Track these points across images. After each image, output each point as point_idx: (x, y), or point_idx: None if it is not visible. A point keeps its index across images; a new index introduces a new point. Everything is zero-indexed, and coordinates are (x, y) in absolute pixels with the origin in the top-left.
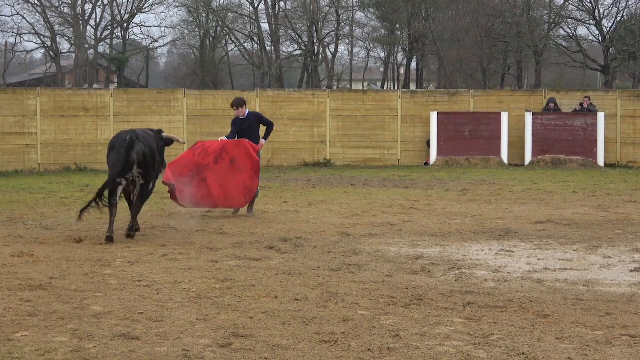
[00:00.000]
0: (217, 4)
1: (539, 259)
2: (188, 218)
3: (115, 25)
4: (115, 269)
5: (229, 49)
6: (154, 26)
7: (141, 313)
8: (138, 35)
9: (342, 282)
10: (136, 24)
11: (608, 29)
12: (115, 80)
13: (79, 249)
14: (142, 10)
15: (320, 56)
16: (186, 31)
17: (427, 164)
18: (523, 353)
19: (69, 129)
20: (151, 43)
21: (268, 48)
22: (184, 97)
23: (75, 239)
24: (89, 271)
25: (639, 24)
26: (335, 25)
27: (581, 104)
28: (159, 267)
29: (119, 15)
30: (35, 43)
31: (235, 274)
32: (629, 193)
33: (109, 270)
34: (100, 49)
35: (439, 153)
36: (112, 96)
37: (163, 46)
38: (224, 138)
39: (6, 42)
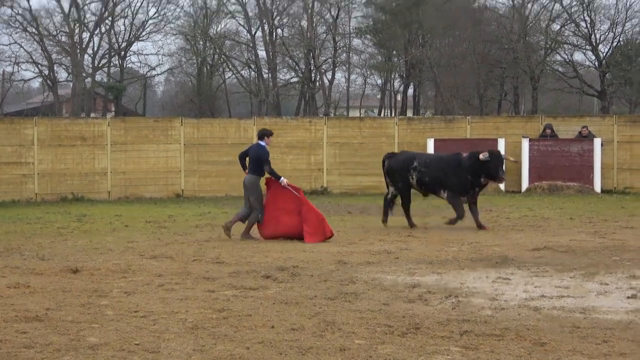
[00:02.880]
0: (215, 32)
1: (535, 286)
2: (185, 247)
3: (112, 54)
4: (111, 300)
5: (226, 77)
6: (152, 54)
7: (137, 344)
8: (135, 64)
9: (338, 311)
10: (133, 52)
11: (604, 54)
12: (113, 109)
13: (75, 279)
14: (140, 39)
15: (317, 83)
16: (183, 59)
17: None
18: None
19: (66, 158)
20: (148, 71)
21: (265, 75)
22: (181, 125)
23: (71, 269)
24: (86, 302)
25: (635, 49)
26: (332, 52)
27: (580, 133)
28: (155, 297)
29: (116, 44)
30: (33, 72)
31: (232, 303)
32: (625, 219)
33: (105, 301)
34: (98, 78)
35: None
36: (109, 125)
37: (160, 74)
38: (285, 180)
39: (3, 71)
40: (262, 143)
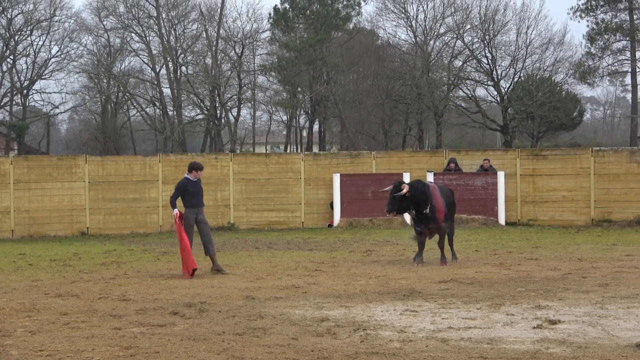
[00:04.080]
0: (118, 70)
1: (443, 318)
2: (90, 285)
3: (15, 92)
4: (16, 339)
5: (131, 114)
6: (55, 92)
7: None
8: (38, 102)
9: (247, 347)
10: (36, 90)
11: (506, 90)
12: (15, 148)
13: None
14: (42, 77)
15: (223, 120)
16: (87, 97)
17: (330, 225)
18: None
19: None
20: (52, 109)
21: (170, 112)
22: (86, 163)
23: None
24: None
25: (536, 84)
26: (237, 89)
27: (481, 166)
28: (61, 335)
29: (18, 82)
30: None
31: (139, 340)
32: (530, 251)
33: (9, 341)
34: (0, 116)
35: (342, 214)
36: (11, 164)
37: (64, 112)
38: (175, 212)
39: None
40: (187, 175)
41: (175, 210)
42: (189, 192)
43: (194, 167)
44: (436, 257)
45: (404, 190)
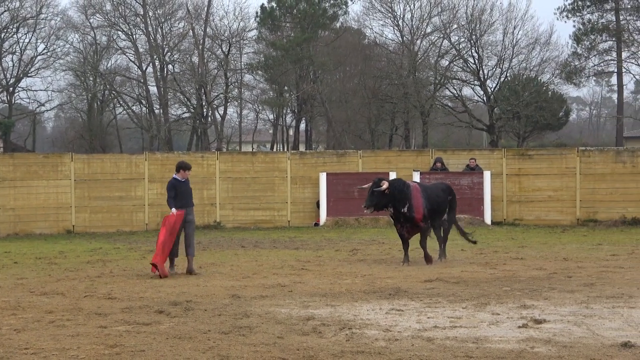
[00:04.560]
0: (105, 68)
1: (428, 317)
2: (76, 283)
3: (0, 90)
4: (0, 337)
5: (117, 112)
6: (41, 90)
7: None
8: (24, 99)
9: (233, 345)
10: (22, 87)
11: (492, 89)
12: (1, 145)
13: None
14: (29, 74)
15: (209, 118)
16: (73, 95)
17: (316, 224)
18: None
19: None
20: (38, 107)
21: (156, 111)
22: (71, 161)
23: None
24: None
25: (522, 84)
26: (224, 88)
27: (468, 166)
28: (46, 334)
29: (4, 80)
30: None
31: (125, 339)
32: (515, 250)
33: None
34: None
35: (328, 213)
36: None
37: (50, 110)
38: (174, 211)
39: None
40: (175, 175)
41: (173, 210)
42: (178, 193)
43: (182, 167)
44: (421, 257)
45: (384, 186)
